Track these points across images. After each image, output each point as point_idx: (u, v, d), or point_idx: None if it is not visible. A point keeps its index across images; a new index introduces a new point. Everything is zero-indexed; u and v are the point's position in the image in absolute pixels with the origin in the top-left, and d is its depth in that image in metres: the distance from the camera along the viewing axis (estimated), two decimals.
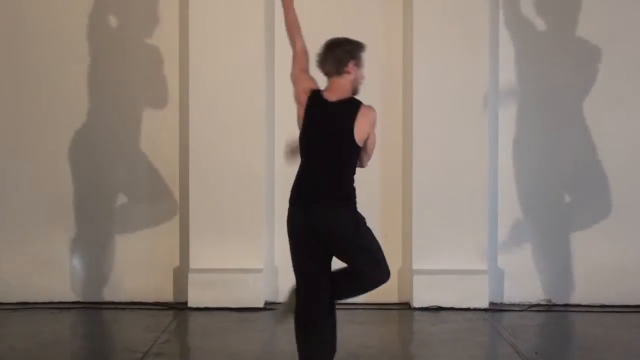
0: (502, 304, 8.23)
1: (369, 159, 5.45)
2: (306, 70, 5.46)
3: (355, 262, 5.30)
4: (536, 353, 6.55)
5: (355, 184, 5.39)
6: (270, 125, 8.23)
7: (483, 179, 8.09)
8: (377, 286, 5.38)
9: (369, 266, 5.29)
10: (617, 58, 8.27)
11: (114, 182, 8.29)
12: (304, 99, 5.36)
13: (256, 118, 8.08)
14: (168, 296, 8.26)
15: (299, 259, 5.32)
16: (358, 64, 5.46)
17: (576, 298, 8.27)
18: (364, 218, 5.38)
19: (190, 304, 8.01)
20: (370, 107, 5.34)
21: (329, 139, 5.27)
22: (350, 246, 5.28)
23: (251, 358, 6.66)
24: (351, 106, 5.31)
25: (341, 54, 5.40)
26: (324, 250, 5.27)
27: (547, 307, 8.18)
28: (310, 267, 5.29)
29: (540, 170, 8.32)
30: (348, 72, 5.39)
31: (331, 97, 5.33)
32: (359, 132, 5.27)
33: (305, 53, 5.52)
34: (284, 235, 8.18)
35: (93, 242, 8.28)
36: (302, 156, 5.37)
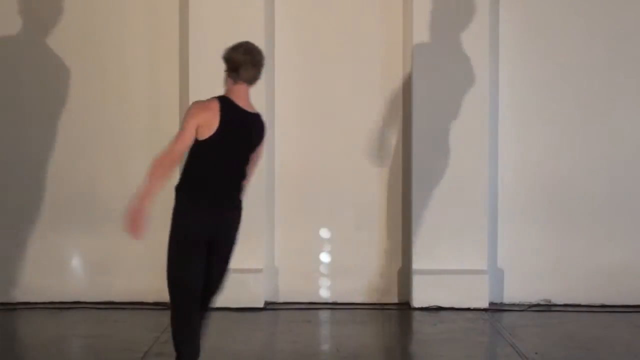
0: (502, 304, 8.23)
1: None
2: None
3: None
4: (536, 353, 6.55)
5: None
6: (270, 125, 8.22)
7: (483, 178, 8.09)
8: None
9: None
10: (619, 56, 8.29)
11: (114, 182, 8.28)
12: (199, 122, 5.23)
13: None
14: (168, 296, 8.23)
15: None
16: None
17: (576, 298, 8.28)
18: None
19: None
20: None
21: (244, 146, 5.38)
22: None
23: (251, 358, 6.66)
24: (260, 119, 5.47)
25: (263, 63, 5.43)
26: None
27: (547, 307, 8.18)
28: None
29: (541, 170, 8.32)
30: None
31: (244, 105, 5.36)
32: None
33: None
34: (284, 235, 8.32)
35: (93, 242, 8.28)
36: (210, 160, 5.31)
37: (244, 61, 5.32)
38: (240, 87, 5.36)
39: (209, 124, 5.21)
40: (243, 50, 5.35)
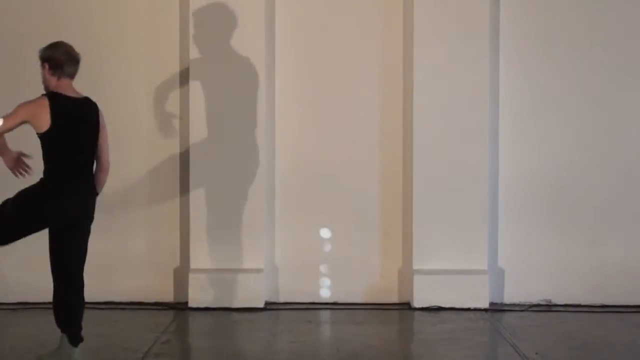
0: (502, 304, 8.23)
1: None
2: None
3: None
4: (536, 353, 6.55)
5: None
6: (270, 125, 8.24)
7: (483, 178, 8.10)
8: None
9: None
10: (619, 57, 8.28)
11: (114, 182, 8.25)
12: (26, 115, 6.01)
13: (256, 117, 8.08)
14: (168, 296, 8.26)
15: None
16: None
17: (576, 298, 8.28)
18: None
19: (191, 304, 8.01)
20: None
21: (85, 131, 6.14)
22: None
23: (251, 358, 6.66)
24: (92, 103, 6.22)
25: (80, 59, 6.22)
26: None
27: (547, 307, 8.18)
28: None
29: (540, 170, 8.32)
30: None
31: (74, 95, 6.11)
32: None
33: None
34: (284, 235, 8.32)
35: (93, 242, 8.25)
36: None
37: (66, 59, 6.09)
38: (64, 82, 6.10)
39: (41, 118, 5.94)
40: (63, 50, 6.11)
